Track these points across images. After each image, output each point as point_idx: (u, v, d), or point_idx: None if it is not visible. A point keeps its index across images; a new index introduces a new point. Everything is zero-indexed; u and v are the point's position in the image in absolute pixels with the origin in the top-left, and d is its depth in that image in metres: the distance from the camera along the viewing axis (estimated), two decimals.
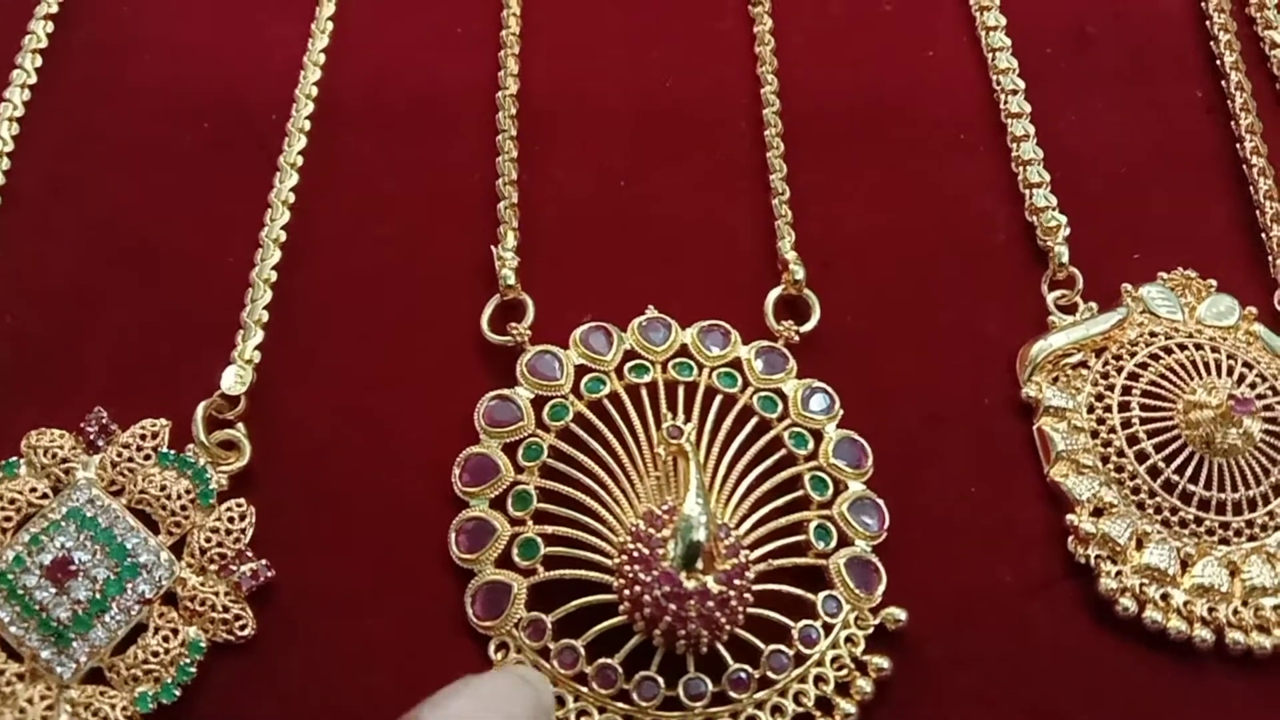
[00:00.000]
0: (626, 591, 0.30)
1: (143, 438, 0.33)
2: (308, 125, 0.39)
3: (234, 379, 0.34)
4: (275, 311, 0.36)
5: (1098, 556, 0.33)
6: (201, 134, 0.39)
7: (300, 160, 0.38)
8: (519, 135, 0.39)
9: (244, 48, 0.40)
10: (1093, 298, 0.38)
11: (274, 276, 0.36)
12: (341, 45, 0.40)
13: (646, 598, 0.30)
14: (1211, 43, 0.43)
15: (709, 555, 0.30)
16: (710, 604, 0.30)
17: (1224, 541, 0.34)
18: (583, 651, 0.31)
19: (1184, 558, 0.34)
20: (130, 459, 0.32)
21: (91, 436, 0.33)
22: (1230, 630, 0.33)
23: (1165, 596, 0.33)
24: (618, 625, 0.31)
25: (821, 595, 0.32)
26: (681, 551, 0.30)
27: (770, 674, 0.31)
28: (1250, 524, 0.34)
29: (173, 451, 0.33)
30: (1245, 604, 0.33)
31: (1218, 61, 0.42)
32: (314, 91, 0.39)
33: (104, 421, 0.33)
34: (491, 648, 0.31)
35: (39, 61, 0.39)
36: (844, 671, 0.31)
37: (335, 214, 0.38)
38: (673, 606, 0.30)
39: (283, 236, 0.37)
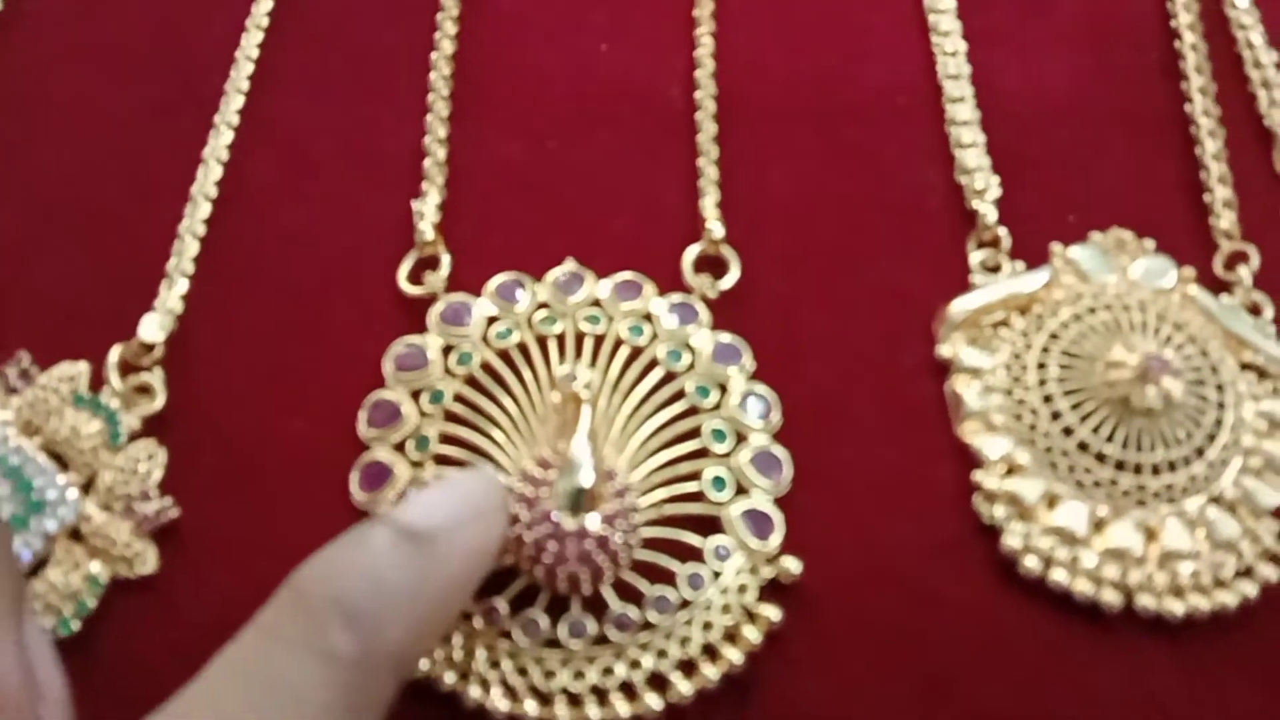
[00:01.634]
0: (509, 532, 0.31)
1: (60, 380, 0.34)
2: (246, 85, 0.40)
3: (154, 325, 0.35)
4: (201, 264, 0.36)
5: (1005, 516, 0.33)
6: (139, 95, 0.40)
7: (237, 119, 0.39)
8: (451, 96, 0.39)
9: (187, 10, 0.41)
10: (1022, 258, 0.37)
11: (202, 230, 0.37)
12: (283, 7, 0.41)
13: (526, 536, 0.30)
14: (1167, 2, 0.42)
15: (592, 496, 0.30)
16: (589, 543, 0.30)
17: (1141, 504, 0.33)
18: None
19: (1097, 520, 0.33)
20: (47, 401, 0.33)
21: (11, 380, 0.34)
22: (1141, 594, 0.32)
23: (1075, 559, 0.32)
24: (506, 567, 0.31)
25: (712, 543, 0.32)
26: (564, 491, 0.30)
27: (654, 617, 0.31)
28: (1169, 487, 0.33)
29: (88, 394, 0.34)
30: (1161, 568, 0.33)
31: (1172, 22, 0.42)
32: (255, 53, 0.40)
33: (24, 366, 0.34)
34: None
35: None
36: (732, 620, 0.31)
37: (267, 172, 0.38)
38: (551, 545, 0.30)
39: (214, 192, 0.37)
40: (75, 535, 0.32)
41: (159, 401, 0.34)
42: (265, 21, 0.41)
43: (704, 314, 0.35)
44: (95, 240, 0.37)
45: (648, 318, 0.35)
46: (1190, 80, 0.40)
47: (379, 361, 0.35)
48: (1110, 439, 0.33)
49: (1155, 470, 0.33)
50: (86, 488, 0.33)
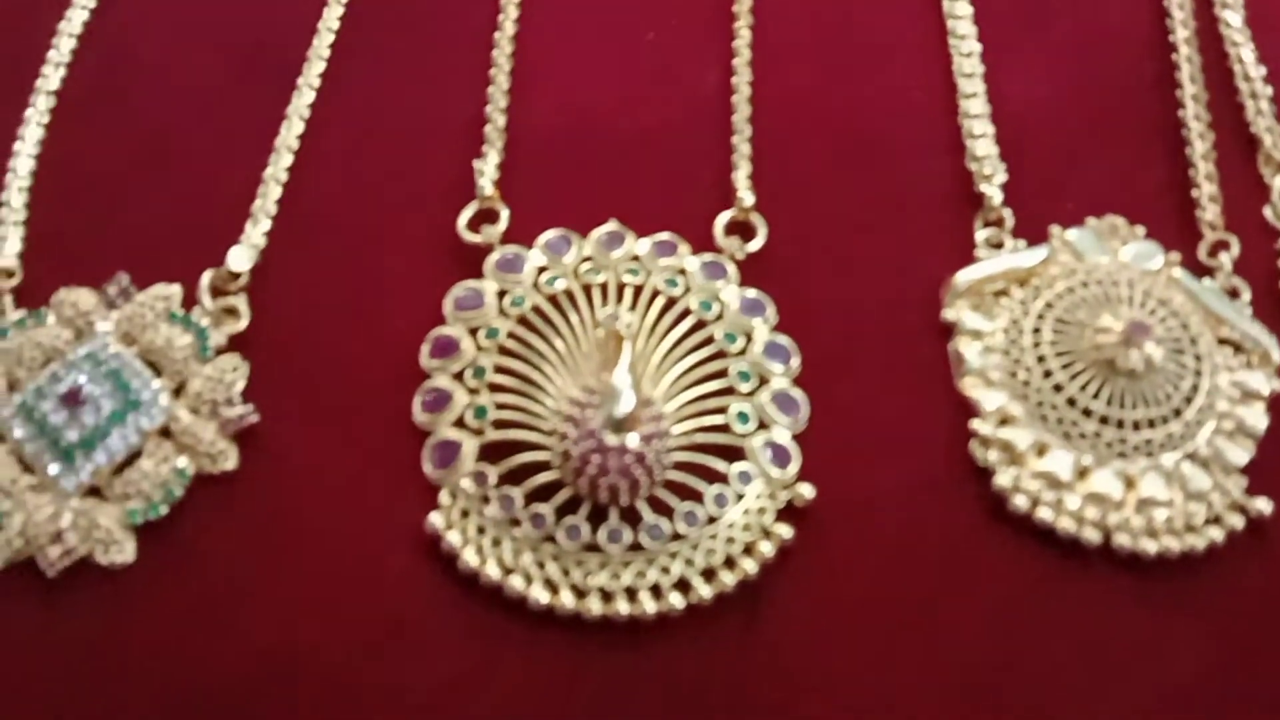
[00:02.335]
0: (558, 447, 0.34)
1: (156, 299, 0.37)
2: (327, 53, 0.44)
3: (241, 256, 0.39)
4: (282, 207, 0.40)
5: (997, 460, 0.37)
6: (224, 59, 0.44)
7: (318, 82, 0.43)
8: (512, 70, 0.43)
9: None
10: (1023, 238, 0.41)
11: (284, 177, 0.41)
12: None
13: (573, 451, 0.34)
14: (1167, 19, 0.46)
15: (632, 418, 0.34)
16: (628, 458, 0.34)
17: (1122, 455, 0.37)
18: (519, 500, 0.34)
19: (1081, 468, 0.37)
20: (144, 316, 0.37)
21: (112, 296, 0.38)
22: (1118, 534, 0.36)
23: (1059, 501, 0.36)
24: (552, 481, 0.35)
25: (736, 468, 0.35)
26: (607, 412, 0.34)
27: (683, 529, 0.34)
28: (1149, 442, 0.37)
29: (182, 311, 0.37)
30: (1138, 512, 0.36)
31: (1170, 36, 0.46)
32: (335, 25, 0.44)
33: (124, 285, 0.38)
34: (442, 495, 0.35)
35: None
36: (750, 535, 0.35)
37: (342, 130, 0.42)
38: (596, 458, 0.33)
39: (295, 145, 0.42)
40: (165, 433, 0.36)
41: (243, 322, 0.38)
42: None
43: (733, 272, 0.39)
44: (186, 181, 0.41)
45: (682, 272, 0.39)
46: (1184, 88, 0.44)
47: (437, 299, 0.38)
48: (1096, 396, 0.37)
49: (1136, 426, 0.37)
50: (177, 392, 0.36)
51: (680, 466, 0.35)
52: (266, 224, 0.40)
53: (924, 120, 0.44)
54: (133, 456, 0.35)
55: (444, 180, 0.41)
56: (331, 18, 0.44)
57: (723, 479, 0.35)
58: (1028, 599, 0.35)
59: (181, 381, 0.36)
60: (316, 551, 0.35)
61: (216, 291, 0.38)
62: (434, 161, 0.42)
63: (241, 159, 0.41)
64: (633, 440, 0.34)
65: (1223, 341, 0.39)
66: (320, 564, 0.35)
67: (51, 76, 0.43)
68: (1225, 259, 0.41)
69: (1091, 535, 0.36)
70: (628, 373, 0.35)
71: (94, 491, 0.35)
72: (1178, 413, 0.37)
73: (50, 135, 0.42)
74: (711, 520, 0.35)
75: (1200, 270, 0.41)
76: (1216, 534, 0.36)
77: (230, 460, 0.36)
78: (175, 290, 0.38)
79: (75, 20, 0.44)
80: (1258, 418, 0.38)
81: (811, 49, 0.45)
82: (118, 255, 0.39)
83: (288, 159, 0.41)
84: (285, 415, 0.37)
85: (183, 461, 0.35)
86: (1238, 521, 0.36)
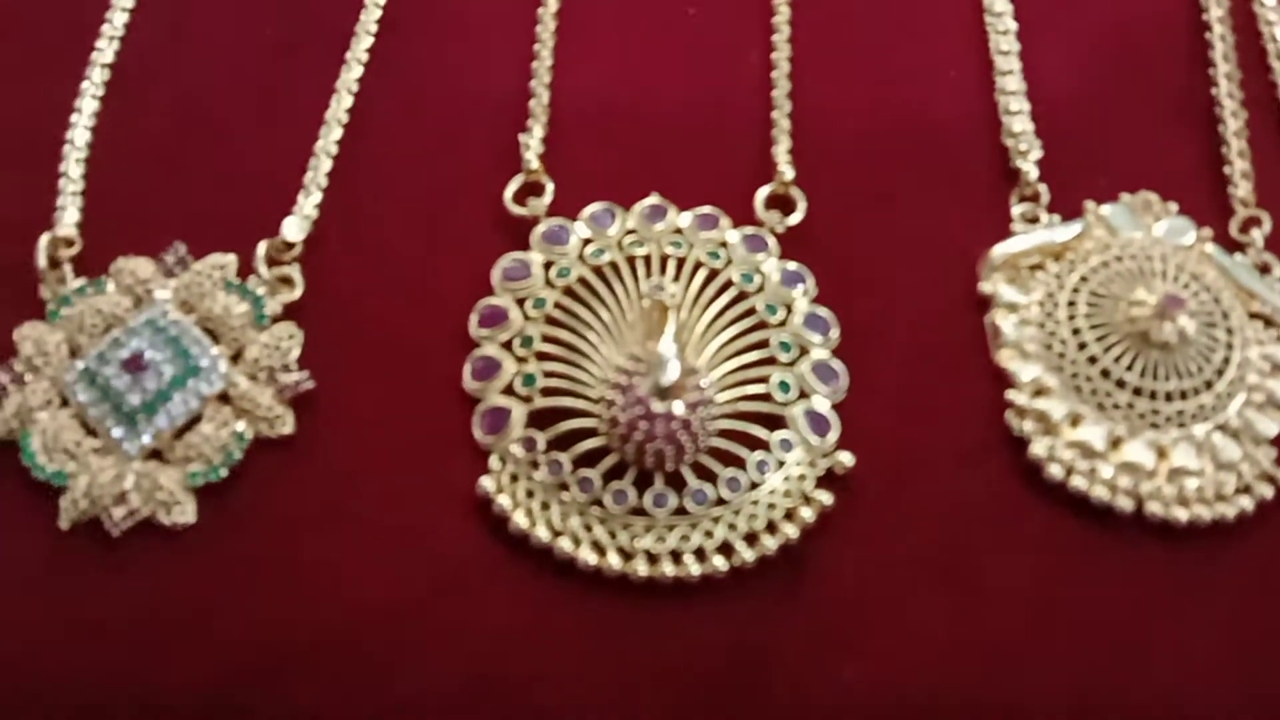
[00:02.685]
0: (605, 414, 0.35)
1: (213, 268, 0.38)
2: (374, 28, 0.45)
3: (295, 227, 0.40)
4: (333, 179, 0.41)
5: (1032, 430, 0.37)
6: (272, 32, 0.45)
7: (366, 57, 0.44)
8: (555, 47, 0.44)
9: None
10: (1058, 213, 0.42)
11: (335, 150, 0.42)
12: None
13: (621, 417, 0.35)
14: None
15: (678, 386, 0.35)
16: (674, 424, 0.35)
17: (1154, 426, 0.38)
18: (567, 465, 0.36)
19: (1115, 438, 0.38)
20: (201, 284, 0.38)
21: (170, 265, 0.39)
22: (1150, 502, 0.37)
23: (1093, 470, 0.37)
24: (599, 447, 0.36)
25: (777, 436, 0.36)
26: (654, 380, 0.35)
27: (726, 494, 0.35)
28: (1180, 413, 0.38)
29: (238, 280, 0.38)
30: (1169, 481, 0.37)
31: (1204, 15, 0.46)
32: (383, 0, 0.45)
33: (181, 254, 0.39)
34: (492, 460, 0.36)
35: None
36: (791, 501, 0.36)
37: (390, 103, 0.43)
38: (643, 424, 0.35)
39: (344, 118, 0.42)
40: (224, 398, 0.37)
41: (298, 291, 0.39)
42: None
43: (773, 245, 0.40)
44: (239, 153, 0.42)
45: (724, 245, 0.40)
46: (1218, 67, 0.45)
47: (484, 270, 0.39)
48: (1130, 368, 0.38)
49: (1168, 397, 0.38)
50: (234, 359, 0.37)
51: (723, 434, 0.36)
52: (318, 196, 0.41)
53: (961, 97, 0.44)
54: (193, 421, 0.36)
55: (490, 153, 0.42)
56: None
57: (764, 446, 0.36)
58: (1062, 565, 0.36)
59: (239, 348, 0.38)
60: (371, 513, 0.36)
61: (271, 261, 0.39)
62: (480, 134, 0.43)
63: (292, 131, 0.42)
64: (678, 407, 0.35)
65: (1254, 316, 0.40)
66: (374, 525, 0.36)
67: (106, 49, 0.44)
68: (1257, 235, 0.41)
69: (1124, 503, 0.36)
70: (673, 342, 0.36)
71: (155, 454, 0.36)
72: (1209, 385, 0.38)
73: (105, 108, 0.43)
74: (754, 486, 0.36)
75: (1232, 246, 0.41)
76: (1246, 503, 0.37)
77: (287, 425, 0.37)
78: (231, 259, 0.39)
79: None
80: None
81: (850, 27, 0.45)
82: (174, 225, 0.40)
83: (337, 132, 0.42)
84: (339, 382, 0.38)
85: (241, 426, 0.36)
86: (1267, 491, 0.37)
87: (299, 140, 0.42)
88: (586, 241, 0.39)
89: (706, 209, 0.40)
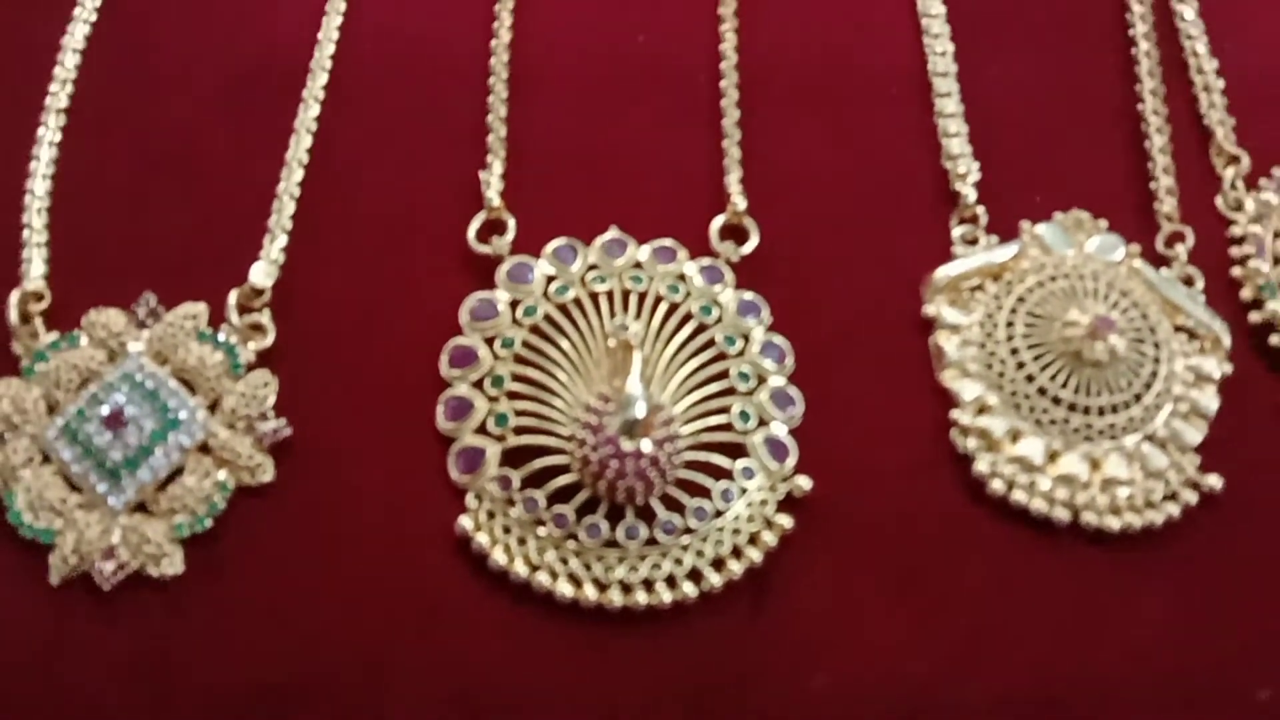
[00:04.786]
0: (577, 453, 0.37)
1: (184, 318, 0.39)
2: (329, 64, 0.45)
3: (263, 273, 0.40)
4: (297, 221, 0.42)
5: (976, 447, 0.40)
6: (235, 71, 0.45)
7: (322, 94, 0.44)
8: (510, 80, 0.45)
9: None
10: (995, 233, 0.44)
11: (297, 192, 0.43)
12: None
13: (593, 457, 0.37)
14: (1126, 13, 0.49)
15: (645, 424, 0.37)
16: (644, 462, 0.36)
17: (1088, 439, 0.40)
18: (542, 502, 0.37)
19: (1051, 452, 0.40)
20: (174, 336, 0.39)
21: (141, 316, 0.39)
22: (1085, 512, 0.39)
23: (1032, 483, 0.40)
24: (571, 483, 0.37)
25: (740, 464, 0.38)
26: (623, 420, 0.36)
27: (694, 523, 0.37)
28: (1112, 426, 0.40)
29: (210, 329, 0.39)
30: (1102, 491, 0.40)
31: (1130, 30, 0.48)
32: (335, 35, 0.46)
33: (152, 305, 0.40)
34: (468, 498, 0.38)
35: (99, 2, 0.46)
36: (754, 526, 0.38)
37: (349, 141, 0.44)
38: (614, 464, 0.36)
39: (305, 159, 0.43)
40: (204, 449, 0.38)
41: (270, 338, 0.40)
42: (343, 6, 0.46)
43: (729, 276, 0.42)
44: (202, 197, 0.43)
45: (682, 278, 0.41)
46: (1143, 82, 0.47)
47: (452, 308, 0.41)
48: (1065, 385, 0.40)
49: (1101, 411, 0.40)
50: (212, 408, 0.38)
51: (689, 465, 0.38)
52: (284, 239, 0.42)
53: (903, 119, 0.46)
54: (175, 472, 0.38)
55: (451, 189, 0.43)
56: (331, 28, 0.46)
57: (728, 475, 0.38)
58: (1007, 572, 0.39)
59: (216, 398, 0.39)
60: (353, 554, 0.38)
61: (242, 309, 0.40)
62: (440, 171, 0.44)
63: (255, 173, 0.43)
64: (647, 445, 0.37)
65: (1178, 329, 0.42)
66: (357, 566, 0.37)
67: (59, 93, 0.44)
68: (1181, 249, 0.44)
69: (1062, 514, 0.39)
70: (639, 380, 0.37)
71: (140, 507, 0.37)
72: (1138, 398, 0.41)
73: (63, 154, 0.43)
74: (719, 514, 0.38)
75: (1158, 260, 0.44)
76: (1173, 509, 0.40)
77: (268, 473, 0.38)
78: (202, 309, 0.40)
79: (77, 34, 0.45)
80: (1210, 400, 0.41)
81: (796, 50, 0.47)
82: (141, 272, 0.41)
83: (299, 173, 0.43)
84: (315, 426, 0.39)
85: (223, 475, 0.38)
86: (1192, 497, 0.40)
87: (262, 182, 0.43)
88: (550, 279, 0.41)
89: (665, 242, 0.42)
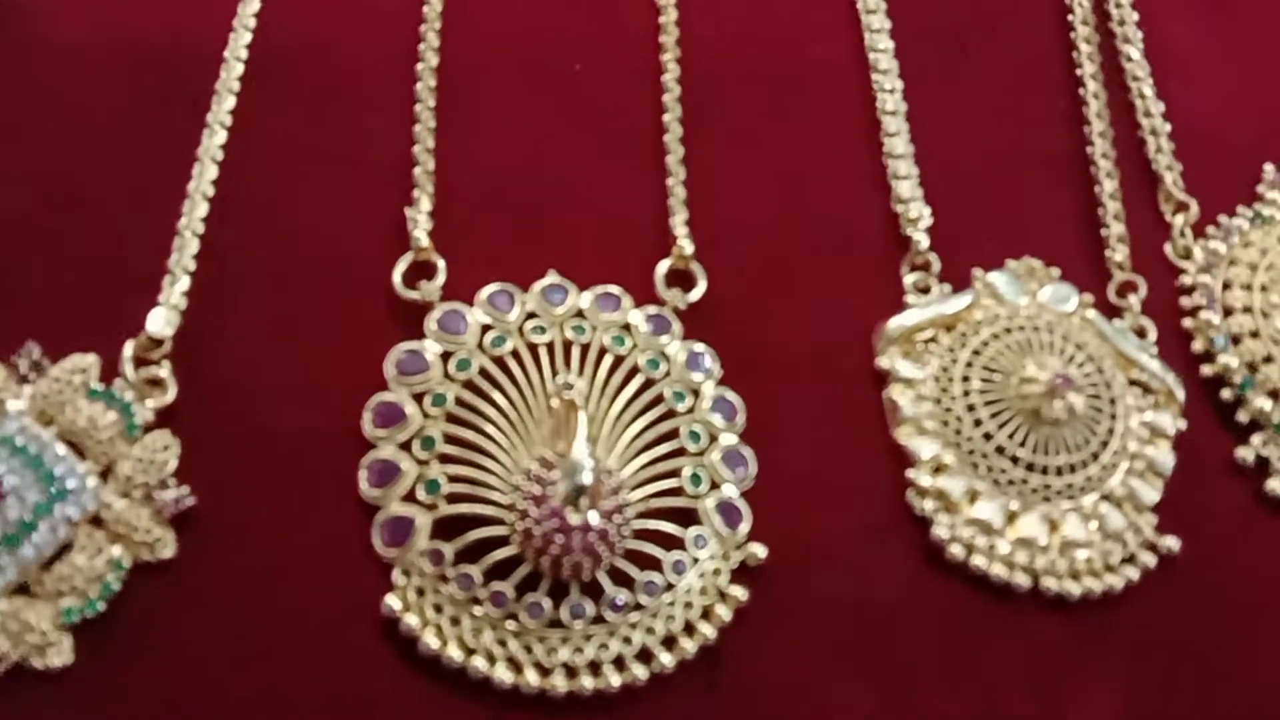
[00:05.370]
0: (519, 525, 0.34)
1: (72, 372, 0.35)
2: (237, 85, 0.41)
3: (162, 321, 0.36)
4: (202, 262, 0.38)
5: (934, 509, 0.38)
6: (132, 89, 0.41)
7: (229, 119, 0.40)
8: (436, 107, 0.42)
9: (176, 7, 0.42)
10: (947, 280, 0.42)
11: (201, 229, 0.39)
12: (270, 9, 0.43)
13: (536, 530, 0.34)
14: (1074, 53, 0.48)
15: (593, 494, 0.34)
16: (591, 536, 0.34)
17: (1046, 499, 0.39)
18: (478, 578, 0.34)
19: (1010, 513, 0.39)
20: (61, 392, 0.35)
21: (23, 370, 0.35)
22: (1045, 577, 0.38)
23: (991, 547, 0.38)
24: (510, 557, 0.34)
25: (692, 533, 0.36)
26: (568, 489, 0.34)
27: (644, 599, 0.35)
28: (1070, 486, 0.39)
29: (102, 385, 0.35)
30: (1061, 554, 0.38)
31: (1078, 71, 0.47)
32: (243, 54, 0.42)
33: (35, 357, 0.35)
34: (395, 574, 0.35)
35: None
36: (707, 599, 0.35)
37: (260, 172, 0.40)
38: (559, 538, 0.33)
39: (210, 191, 0.39)
40: (96, 521, 0.34)
41: (171, 394, 0.36)
42: (252, 23, 0.42)
43: (676, 325, 0.39)
44: (93, 233, 0.39)
45: (626, 328, 0.39)
46: (1092, 125, 0.46)
47: (375, 359, 0.37)
48: (1023, 444, 0.39)
49: (1059, 471, 0.39)
50: (105, 475, 0.34)
51: (637, 533, 0.35)
52: (186, 281, 0.38)
53: (852, 156, 0.44)
54: (62, 549, 0.33)
55: (372, 225, 0.40)
56: (239, 46, 0.42)
57: (679, 544, 0.36)
58: (966, 638, 0.37)
59: (108, 464, 0.34)
60: (267, 638, 0.34)
61: (139, 361, 0.36)
62: (361, 206, 0.40)
63: (153, 207, 0.39)
64: (595, 518, 0.34)
65: (1132, 382, 0.41)
66: (272, 651, 0.34)
67: None
68: (1133, 300, 0.43)
69: (1022, 580, 0.38)
70: (586, 445, 0.34)
71: (22, 589, 0.33)
72: (1095, 456, 0.39)
73: None
74: (669, 587, 0.35)
75: (1110, 310, 0.43)
76: (1132, 573, 0.38)
77: (168, 548, 0.34)
78: (92, 361, 0.35)
79: None
80: (1165, 456, 0.40)
81: (741, 84, 0.45)
82: (22, 320, 0.37)
83: (203, 208, 0.39)
84: (222, 494, 0.35)
85: (118, 551, 0.34)
86: (1150, 560, 0.39)
87: (161, 217, 0.39)
88: (485, 328, 0.38)
89: (608, 288, 0.39)
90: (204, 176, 0.39)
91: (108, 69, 0.41)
